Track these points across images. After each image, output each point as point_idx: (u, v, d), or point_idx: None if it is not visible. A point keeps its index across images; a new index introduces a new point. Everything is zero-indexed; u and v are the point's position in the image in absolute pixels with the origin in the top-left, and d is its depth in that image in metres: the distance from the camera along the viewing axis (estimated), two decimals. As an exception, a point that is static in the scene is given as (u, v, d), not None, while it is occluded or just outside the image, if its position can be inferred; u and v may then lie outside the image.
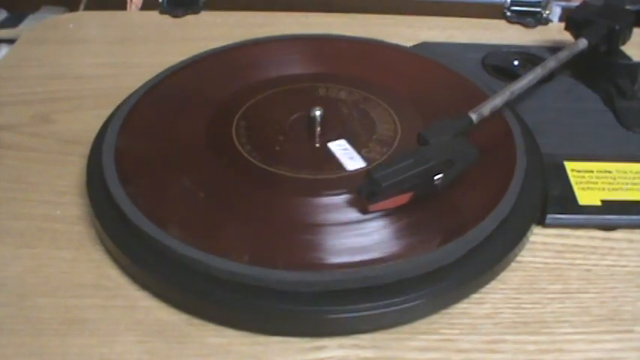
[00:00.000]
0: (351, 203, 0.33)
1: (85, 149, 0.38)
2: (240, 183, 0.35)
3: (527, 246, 0.34)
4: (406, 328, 0.30)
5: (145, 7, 0.59)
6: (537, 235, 0.35)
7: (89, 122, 0.41)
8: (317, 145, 0.38)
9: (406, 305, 0.29)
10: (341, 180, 0.35)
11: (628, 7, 0.46)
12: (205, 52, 0.46)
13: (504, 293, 0.32)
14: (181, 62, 0.44)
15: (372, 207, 0.32)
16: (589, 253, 0.34)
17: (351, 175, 0.35)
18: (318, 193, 0.34)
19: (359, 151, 0.36)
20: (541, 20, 0.56)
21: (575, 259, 0.34)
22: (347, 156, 0.36)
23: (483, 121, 0.37)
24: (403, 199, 0.32)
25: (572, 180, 0.37)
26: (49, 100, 0.45)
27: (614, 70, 0.45)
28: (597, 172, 0.38)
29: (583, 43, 0.44)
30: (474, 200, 0.34)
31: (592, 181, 0.37)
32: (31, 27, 0.59)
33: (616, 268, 0.33)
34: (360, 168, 0.36)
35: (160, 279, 0.31)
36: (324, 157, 0.37)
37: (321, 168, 0.36)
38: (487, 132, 0.37)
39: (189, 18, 0.56)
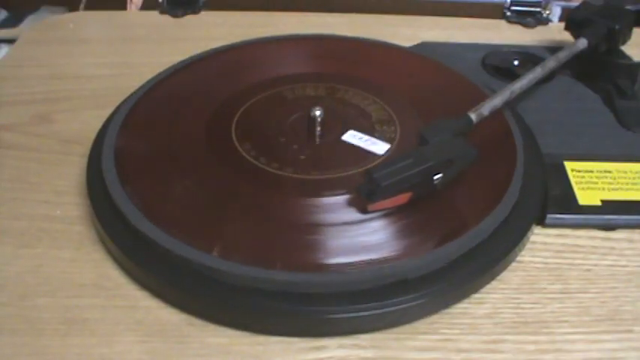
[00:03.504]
0: (351, 203, 0.33)
1: (85, 149, 0.38)
2: (239, 183, 0.35)
3: (527, 246, 0.34)
4: (406, 328, 0.30)
5: (145, 7, 0.59)
6: (537, 235, 0.35)
7: (89, 122, 0.41)
8: (317, 144, 0.38)
9: (406, 305, 0.29)
10: (341, 180, 0.35)
11: (628, 7, 0.46)
12: (205, 52, 0.46)
13: (504, 293, 0.32)
14: (181, 62, 0.44)
15: (371, 207, 0.32)
16: (589, 253, 0.34)
17: (351, 175, 0.35)
18: (318, 193, 0.34)
19: (373, 136, 0.36)
20: (541, 20, 0.56)
21: (575, 259, 0.34)
22: (368, 143, 0.36)
23: (483, 120, 0.37)
24: (402, 198, 0.32)
25: (572, 180, 0.37)
26: (49, 100, 0.45)
27: (614, 70, 0.45)
28: (597, 172, 0.38)
29: (583, 43, 0.44)
30: (473, 200, 0.34)
31: (592, 181, 0.37)
32: (31, 27, 0.59)
33: (616, 268, 0.33)
34: (389, 149, 0.36)
35: (160, 279, 0.31)
36: (323, 157, 0.37)
37: (321, 168, 0.36)
38: (487, 132, 0.37)
39: (189, 18, 0.56)
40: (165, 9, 0.56)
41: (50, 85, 0.47)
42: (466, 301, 0.31)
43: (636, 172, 0.38)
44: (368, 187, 0.32)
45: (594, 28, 0.45)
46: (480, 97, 0.38)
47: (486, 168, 0.35)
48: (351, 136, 0.37)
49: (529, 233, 0.34)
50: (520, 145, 0.37)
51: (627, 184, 0.37)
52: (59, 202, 0.36)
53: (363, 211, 0.32)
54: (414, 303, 0.30)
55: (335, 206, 0.33)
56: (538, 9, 0.57)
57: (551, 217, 0.35)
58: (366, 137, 0.36)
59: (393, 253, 0.31)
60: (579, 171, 0.38)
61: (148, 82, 0.42)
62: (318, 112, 0.37)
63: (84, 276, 0.32)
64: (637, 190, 0.37)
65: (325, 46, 0.47)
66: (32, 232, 0.35)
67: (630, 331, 0.30)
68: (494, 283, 0.32)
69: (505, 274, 0.33)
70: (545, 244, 0.35)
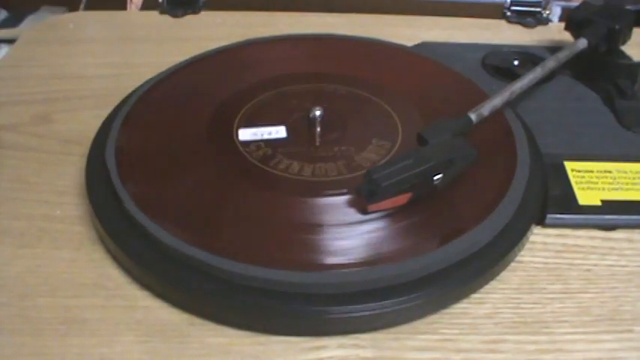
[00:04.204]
0: (351, 204, 0.33)
1: (85, 149, 0.38)
2: (240, 183, 0.35)
3: (527, 246, 0.34)
4: (406, 328, 0.30)
5: (145, 7, 0.59)
6: (537, 235, 0.35)
7: (89, 122, 0.41)
8: (317, 144, 0.38)
9: (406, 305, 0.29)
10: (341, 180, 0.35)
11: (628, 7, 0.46)
12: (205, 52, 0.46)
13: (504, 293, 0.32)
14: (181, 62, 0.44)
15: (371, 207, 0.32)
16: (589, 253, 0.34)
17: (351, 176, 0.35)
18: (319, 194, 0.34)
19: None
20: (541, 20, 0.56)
21: (575, 259, 0.34)
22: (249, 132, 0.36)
23: (483, 121, 0.37)
24: (402, 199, 0.32)
25: (572, 180, 0.37)
26: (49, 100, 0.45)
27: (614, 70, 0.45)
28: (597, 172, 0.38)
29: (583, 43, 0.44)
30: (473, 200, 0.34)
31: (592, 181, 0.37)
32: (31, 27, 0.60)
33: (616, 268, 0.33)
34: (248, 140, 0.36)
35: (161, 278, 0.31)
36: (324, 158, 0.37)
37: (321, 168, 0.36)
38: (487, 132, 0.37)
39: (189, 18, 0.56)
40: (165, 9, 0.56)
41: (50, 85, 0.47)
42: (466, 301, 0.31)
43: (636, 172, 0.38)
44: (368, 188, 0.32)
45: (594, 28, 0.45)
46: (480, 97, 0.38)
47: (486, 168, 0.35)
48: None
49: (529, 233, 0.34)
50: (520, 146, 0.37)
51: (627, 184, 0.37)
52: (59, 202, 0.36)
53: (364, 211, 0.32)
54: (413, 303, 0.30)
55: (335, 207, 0.33)
56: (538, 9, 0.57)
57: (551, 217, 0.35)
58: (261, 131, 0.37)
59: (393, 254, 0.31)
60: (579, 171, 0.38)
61: (148, 81, 0.43)
62: (318, 112, 0.37)
63: (84, 276, 0.32)
64: (637, 190, 0.37)
65: (325, 45, 0.47)
66: (32, 232, 0.35)
67: (630, 331, 0.30)
68: (494, 283, 0.32)
69: (505, 274, 0.33)
70: (545, 244, 0.35)
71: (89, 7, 0.59)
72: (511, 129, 0.38)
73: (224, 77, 0.43)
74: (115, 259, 0.33)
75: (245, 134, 0.36)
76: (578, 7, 0.47)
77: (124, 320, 0.30)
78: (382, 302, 0.29)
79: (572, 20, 0.47)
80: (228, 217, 0.33)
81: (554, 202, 0.36)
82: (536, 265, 0.33)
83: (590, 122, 0.42)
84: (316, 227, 0.32)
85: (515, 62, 0.49)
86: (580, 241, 0.35)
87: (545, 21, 0.56)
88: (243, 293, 0.29)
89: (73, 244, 0.34)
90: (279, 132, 0.37)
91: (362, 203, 0.32)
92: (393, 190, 0.32)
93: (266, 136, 0.36)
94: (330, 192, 0.34)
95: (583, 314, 0.31)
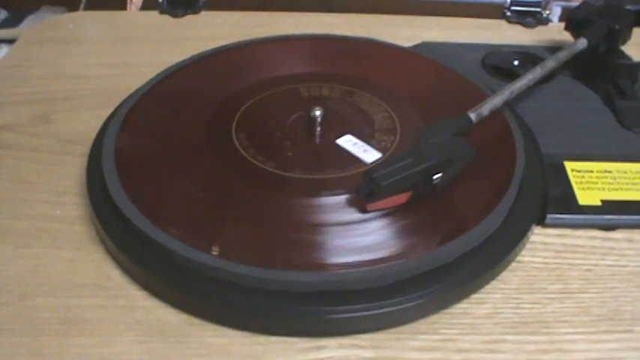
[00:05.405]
0: (351, 203, 0.33)
1: (85, 149, 0.38)
2: (239, 183, 0.35)
3: (528, 246, 0.34)
4: (406, 328, 0.30)
5: (145, 7, 0.59)
6: (537, 235, 0.35)
7: (89, 122, 0.41)
8: (317, 144, 0.38)
9: (406, 305, 0.29)
10: (340, 180, 0.35)
11: (628, 7, 0.46)
12: (205, 52, 0.46)
13: (504, 293, 0.32)
14: (181, 62, 0.44)
15: (370, 206, 0.32)
16: (589, 253, 0.34)
17: (351, 175, 0.35)
18: (318, 193, 0.34)
19: (368, 143, 0.37)
20: (541, 20, 0.56)
21: (575, 259, 0.34)
22: (361, 150, 0.36)
23: (483, 120, 0.37)
24: (402, 198, 0.32)
25: (572, 180, 0.37)
26: (49, 100, 0.45)
27: (614, 70, 0.45)
28: (597, 172, 0.38)
29: (583, 43, 0.44)
30: (473, 200, 0.34)
31: (592, 181, 0.37)
32: (31, 27, 0.60)
33: (616, 268, 0.33)
34: (379, 159, 0.36)
35: (160, 279, 0.31)
36: (323, 157, 0.37)
37: (321, 168, 0.36)
38: (487, 132, 0.37)
39: (189, 18, 0.56)
40: (165, 9, 0.56)
41: (50, 85, 0.47)
42: (466, 301, 0.31)
43: (636, 172, 0.38)
44: (367, 187, 0.32)
45: (594, 28, 0.45)
46: (480, 97, 0.38)
47: (486, 168, 0.35)
48: (346, 141, 0.37)
49: (529, 233, 0.34)
50: (520, 145, 0.37)
51: (627, 184, 0.37)
52: (59, 202, 0.36)
53: (363, 210, 0.32)
54: (414, 303, 0.30)
55: (335, 206, 0.33)
56: (538, 9, 0.57)
57: (551, 217, 0.35)
58: (361, 143, 0.36)
59: (392, 253, 0.31)
60: (579, 171, 0.38)
61: (148, 82, 0.42)
62: (317, 112, 0.37)
63: (84, 276, 0.32)
64: (637, 190, 0.37)
65: (325, 46, 0.47)
66: (32, 232, 0.35)
67: (630, 331, 0.30)
68: (494, 283, 0.32)
69: (505, 274, 0.33)
70: (545, 244, 0.35)
71: (89, 7, 0.59)
72: (511, 129, 0.38)
73: (224, 77, 0.43)
74: (115, 259, 0.33)
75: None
76: (578, 7, 0.47)
77: (124, 320, 0.30)
78: (382, 302, 0.29)
79: (572, 20, 0.47)
80: (227, 218, 0.33)
81: (554, 202, 0.36)
82: (536, 265, 0.33)
83: (590, 122, 0.42)
84: (315, 227, 0.32)
85: (515, 62, 0.49)
86: (580, 241, 0.35)
87: (545, 21, 0.56)
88: (242, 294, 0.29)
89: (73, 244, 0.34)
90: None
91: (361, 202, 0.32)
92: (393, 190, 0.32)
93: (361, 153, 0.36)
94: (330, 191, 0.34)
95: (583, 314, 0.31)
